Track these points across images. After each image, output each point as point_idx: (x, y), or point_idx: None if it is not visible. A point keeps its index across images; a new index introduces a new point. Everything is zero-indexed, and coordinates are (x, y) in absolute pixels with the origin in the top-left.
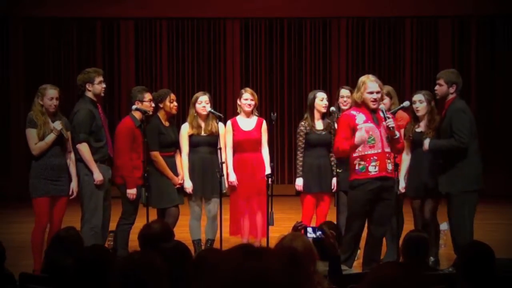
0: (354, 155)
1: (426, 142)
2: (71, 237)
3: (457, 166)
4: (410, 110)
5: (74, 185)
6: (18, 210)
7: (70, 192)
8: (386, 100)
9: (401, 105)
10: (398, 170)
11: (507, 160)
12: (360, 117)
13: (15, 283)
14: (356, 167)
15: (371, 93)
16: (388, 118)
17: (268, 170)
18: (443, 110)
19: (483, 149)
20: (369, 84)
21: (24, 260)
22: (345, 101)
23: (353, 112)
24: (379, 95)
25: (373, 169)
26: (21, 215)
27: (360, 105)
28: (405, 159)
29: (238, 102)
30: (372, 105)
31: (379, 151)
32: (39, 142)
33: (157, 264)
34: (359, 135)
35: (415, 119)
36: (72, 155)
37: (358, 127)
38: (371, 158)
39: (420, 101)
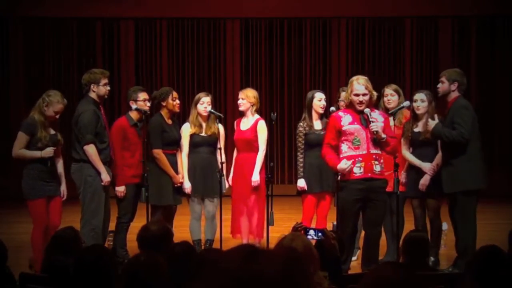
0: (341, 156)
1: (432, 123)
2: (69, 237)
3: (460, 165)
4: (410, 109)
5: (64, 187)
6: (18, 210)
7: (62, 195)
8: (395, 97)
9: (401, 105)
10: (398, 170)
11: (507, 160)
12: (346, 119)
13: (15, 283)
14: None
15: (357, 95)
16: (373, 121)
17: (255, 176)
18: (445, 109)
19: (482, 148)
20: (356, 86)
21: (24, 260)
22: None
23: (341, 113)
24: (365, 98)
25: (358, 170)
26: (21, 215)
27: (349, 106)
28: (407, 155)
29: None
30: (358, 107)
31: (364, 152)
32: (23, 150)
33: (162, 266)
34: (344, 166)
35: (414, 118)
36: (61, 160)
37: (343, 129)
38: (356, 159)
39: (421, 100)
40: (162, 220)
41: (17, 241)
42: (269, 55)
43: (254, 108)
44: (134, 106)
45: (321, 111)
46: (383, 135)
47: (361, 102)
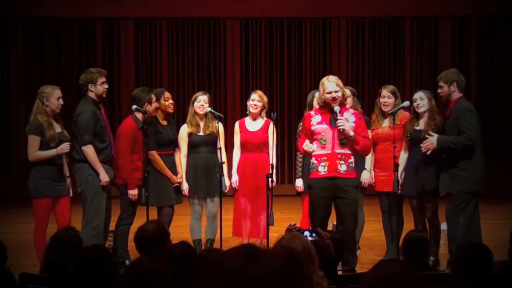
0: (312, 154)
1: (434, 138)
2: (71, 237)
3: (461, 166)
4: (411, 110)
5: (69, 184)
6: (18, 210)
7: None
8: (392, 99)
9: (401, 105)
10: (398, 170)
11: (507, 160)
12: (316, 118)
13: (15, 283)
14: (310, 166)
15: (329, 92)
16: (340, 119)
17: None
18: (447, 110)
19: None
20: (327, 84)
21: (24, 260)
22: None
23: (312, 113)
24: (338, 94)
25: (322, 169)
26: (21, 215)
27: (323, 106)
28: (403, 158)
29: (247, 103)
30: (332, 104)
31: (329, 152)
32: (39, 151)
33: (166, 269)
34: (306, 148)
35: (416, 117)
36: (64, 156)
37: (312, 128)
38: (321, 158)
39: (421, 98)
40: (159, 220)
41: (17, 241)
42: (269, 55)
43: (264, 111)
44: (134, 106)
45: None
46: (351, 133)
47: (334, 99)
